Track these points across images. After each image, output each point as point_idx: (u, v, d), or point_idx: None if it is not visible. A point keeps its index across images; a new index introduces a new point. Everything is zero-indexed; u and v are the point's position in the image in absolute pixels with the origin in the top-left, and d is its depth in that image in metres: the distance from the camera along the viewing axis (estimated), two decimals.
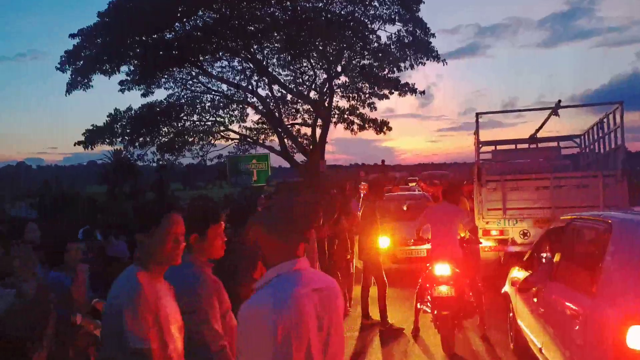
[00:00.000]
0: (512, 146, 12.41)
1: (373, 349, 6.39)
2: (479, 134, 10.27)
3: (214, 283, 2.57)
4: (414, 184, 24.37)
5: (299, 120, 23.07)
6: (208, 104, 21.93)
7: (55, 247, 3.57)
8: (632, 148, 21.14)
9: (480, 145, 10.57)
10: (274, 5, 19.14)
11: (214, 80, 21.56)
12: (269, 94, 21.71)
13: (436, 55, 20.10)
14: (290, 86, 21.91)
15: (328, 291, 1.94)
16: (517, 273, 5.80)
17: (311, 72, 21.68)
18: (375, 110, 22.14)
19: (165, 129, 21.23)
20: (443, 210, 6.57)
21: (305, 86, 22.21)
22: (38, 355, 2.65)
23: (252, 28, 18.93)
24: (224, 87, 21.85)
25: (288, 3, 19.00)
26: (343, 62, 20.65)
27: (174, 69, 20.45)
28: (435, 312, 5.94)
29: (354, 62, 20.83)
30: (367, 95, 21.78)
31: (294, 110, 22.96)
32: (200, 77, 21.51)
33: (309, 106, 22.06)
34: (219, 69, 21.43)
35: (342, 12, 19.83)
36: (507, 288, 6.15)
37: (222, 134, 22.33)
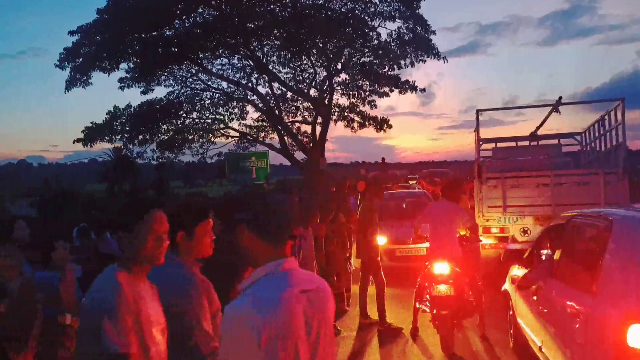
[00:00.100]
0: (513, 144, 12.37)
1: (371, 348, 6.32)
2: (479, 131, 10.22)
3: (203, 283, 2.48)
4: (414, 182, 24.31)
5: (299, 118, 23.11)
6: (208, 101, 21.99)
7: (44, 246, 3.51)
8: (633, 146, 21.07)
9: (481, 143, 10.52)
10: (274, 3, 19.11)
11: (213, 78, 21.59)
12: (269, 91, 21.74)
13: (437, 53, 20.06)
14: (290, 84, 21.91)
15: (317, 292, 1.83)
16: (517, 271, 5.73)
17: (311, 70, 21.69)
18: (376, 108, 22.16)
19: (165, 127, 21.26)
20: (443, 209, 6.48)
21: (305, 84, 22.20)
22: (24, 355, 2.59)
23: (252, 25, 18.90)
24: (224, 84, 21.90)
25: (288, 0, 18.95)
26: (343, 60, 20.62)
27: (174, 67, 20.42)
28: (434, 312, 5.86)
29: (354, 59, 20.80)
30: (367, 93, 21.75)
31: (294, 108, 22.98)
32: (200, 74, 21.53)
33: (309, 104, 22.03)
34: (219, 67, 21.49)
35: (342, 9, 19.81)
36: (507, 286, 6.09)
37: (222, 131, 22.36)
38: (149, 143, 21.08)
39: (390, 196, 12.48)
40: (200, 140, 22.09)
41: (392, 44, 20.22)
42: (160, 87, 21.48)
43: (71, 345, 3.13)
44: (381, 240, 8.36)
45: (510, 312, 5.84)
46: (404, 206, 11.69)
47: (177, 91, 21.52)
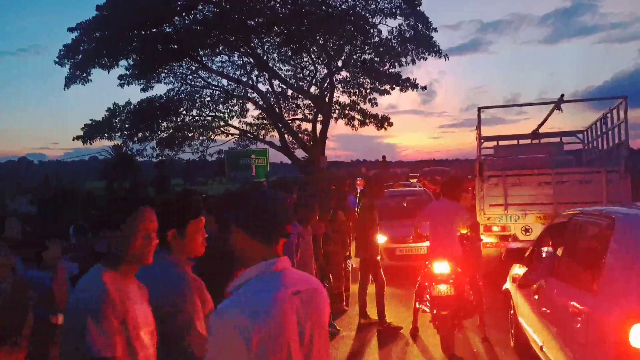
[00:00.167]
0: (514, 142, 12.32)
1: (371, 349, 6.26)
2: (480, 128, 10.16)
3: (196, 282, 2.40)
4: (415, 180, 24.24)
5: (300, 116, 23.05)
6: (208, 98, 21.93)
7: (36, 244, 3.44)
8: (634, 145, 20.96)
9: (482, 140, 10.48)
10: None
11: (213, 75, 21.53)
12: (269, 89, 21.68)
13: (438, 50, 19.95)
14: (290, 81, 21.84)
15: (311, 293, 1.76)
16: (519, 270, 5.69)
17: (312, 67, 21.61)
18: (377, 105, 22.06)
19: (165, 124, 21.20)
20: (443, 207, 6.41)
21: (305, 81, 22.14)
22: (16, 355, 2.54)
23: (252, 22, 18.83)
24: (224, 82, 21.84)
25: None
26: (344, 57, 20.54)
27: (174, 64, 20.36)
28: (435, 312, 5.79)
29: (354, 56, 20.73)
30: (368, 91, 21.65)
31: (294, 106, 22.91)
32: (200, 71, 21.47)
33: (310, 101, 21.96)
34: (219, 64, 21.41)
35: (343, 6, 19.74)
36: (508, 285, 6.05)
37: (222, 129, 22.32)
38: (148, 141, 21.04)
39: (391, 194, 12.42)
40: (200, 137, 22.06)
41: (393, 41, 20.13)
42: (160, 84, 21.47)
43: None
44: (381, 238, 8.30)
45: (511, 312, 5.80)
46: (405, 205, 11.63)
47: (177, 88, 21.48)
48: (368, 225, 7.08)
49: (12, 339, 2.49)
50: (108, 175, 44.05)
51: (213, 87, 21.87)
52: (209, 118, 22.08)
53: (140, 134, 20.53)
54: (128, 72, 19.97)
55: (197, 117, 21.87)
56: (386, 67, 20.64)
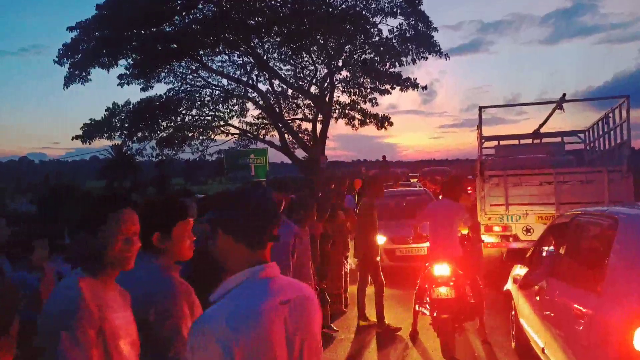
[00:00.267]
0: (515, 141, 12.27)
1: (369, 352, 6.17)
2: (481, 128, 10.09)
3: (183, 286, 2.26)
4: (415, 180, 24.17)
5: (300, 116, 23.02)
6: (207, 98, 21.90)
7: (23, 245, 3.36)
8: (635, 145, 20.87)
9: (483, 140, 10.42)
10: None
11: (213, 75, 21.50)
12: (269, 88, 21.64)
13: (438, 50, 19.91)
14: (290, 81, 21.81)
15: (300, 302, 1.62)
16: (520, 270, 5.62)
17: (312, 67, 21.59)
18: (377, 105, 22.05)
19: (165, 124, 21.15)
20: (443, 207, 6.31)
21: (306, 81, 22.11)
22: (3, 357, 2.47)
23: (252, 22, 18.79)
24: (224, 81, 21.81)
25: None
26: (344, 56, 20.52)
27: (173, 63, 20.32)
28: (435, 315, 5.70)
29: (355, 56, 20.70)
30: (368, 91, 21.63)
31: (294, 105, 22.88)
32: (200, 71, 21.43)
33: (310, 101, 21.92)
34: (219, 63, 21.38)
35: (343, 6, 19.72)
36: (509, 286, 5.98)
37: (222, 128, 22.27)
38: (148, 140, 21.00)
39: (391, 194, 12.34)
40: (200, 137, 22.03)
41: (394, 40, 20.10)
42: (160, 83, 21.40)
43: None
44: (381, 239, 8.22)
45: (513, 313, 5.73)
46: (404, 205, 11.55)
47: (176, 88, 21.44)
48: (367, 225, 7.00)
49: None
50: (107, 174, 44.10)
51: (213, 87, 21.85)
52: (209, 118, 22.06)
53: (140, 134, 20.50)
54: (128, 72, 19.96)
55: (197, 117, 21.85)
56: (386, 67, 20.61)
